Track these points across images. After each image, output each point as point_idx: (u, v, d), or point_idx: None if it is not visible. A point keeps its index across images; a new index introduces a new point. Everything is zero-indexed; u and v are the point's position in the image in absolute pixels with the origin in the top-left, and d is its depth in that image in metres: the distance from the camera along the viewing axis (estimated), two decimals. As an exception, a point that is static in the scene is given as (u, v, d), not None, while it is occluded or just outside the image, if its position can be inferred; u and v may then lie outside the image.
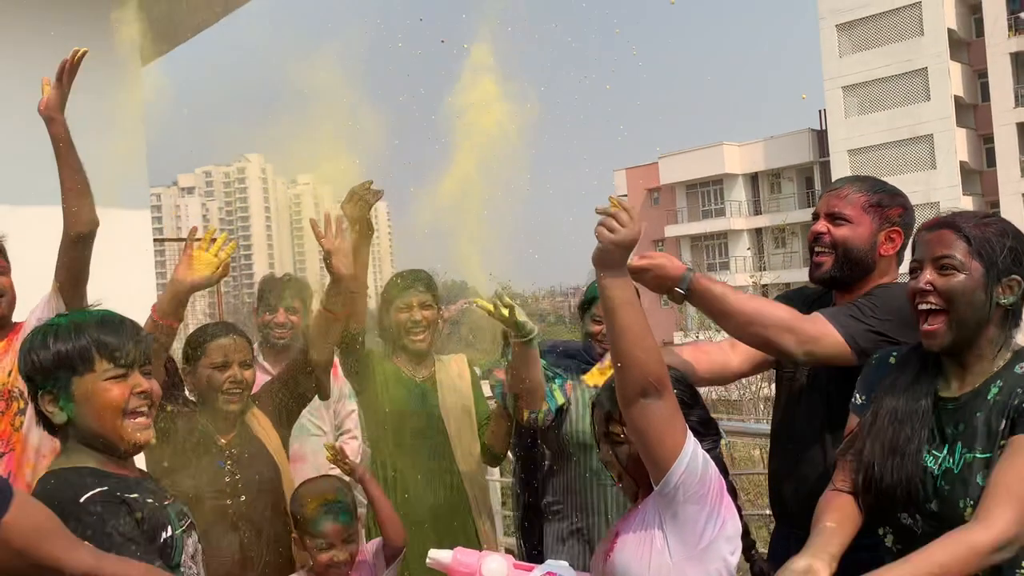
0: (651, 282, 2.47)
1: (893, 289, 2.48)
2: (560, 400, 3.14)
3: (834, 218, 2.55)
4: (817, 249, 2.58)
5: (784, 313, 2.43)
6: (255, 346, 3.96)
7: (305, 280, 4.17)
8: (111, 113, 4.08)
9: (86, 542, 1.61)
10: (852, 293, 2.56)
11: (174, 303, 2.71)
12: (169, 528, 1.97)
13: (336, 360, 3.48)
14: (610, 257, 1.99)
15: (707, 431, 2.15)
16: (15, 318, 2.91)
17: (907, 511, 2.04)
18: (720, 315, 2.44)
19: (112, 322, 1.97)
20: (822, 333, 2.39)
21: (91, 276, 2.83)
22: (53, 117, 2.73)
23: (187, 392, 3.05)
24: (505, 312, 2.84)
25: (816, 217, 2.61)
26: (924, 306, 2.06)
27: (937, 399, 2.08)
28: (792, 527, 2.57)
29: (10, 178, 2.89)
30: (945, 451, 2.03)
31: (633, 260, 2.33)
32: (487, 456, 3.51)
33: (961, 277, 2.02)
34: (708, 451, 2.05)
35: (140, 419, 1.95)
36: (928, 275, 2.05)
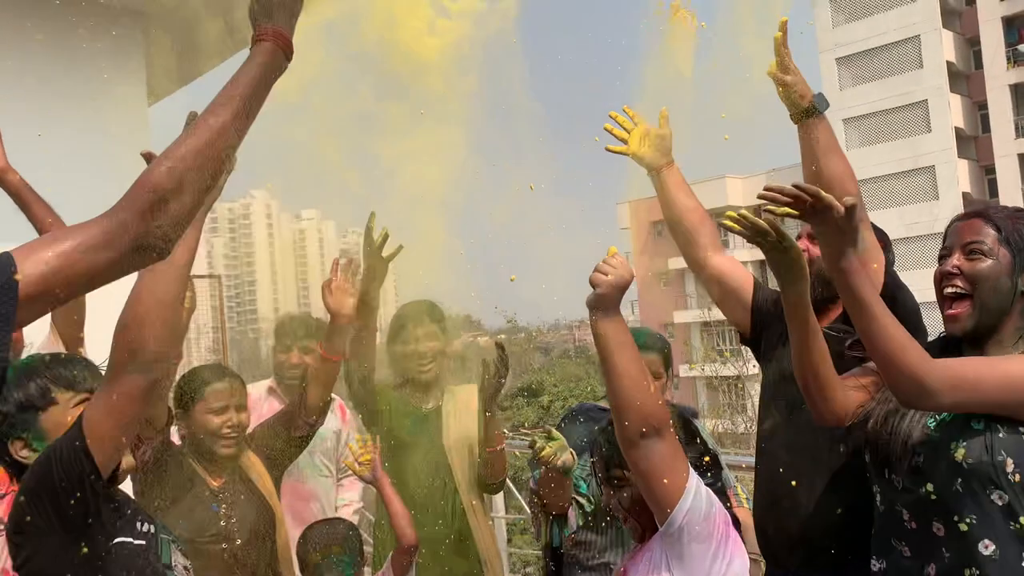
0: (791, 93, 2.44)
1: (910, 295, 2.51)
2: (588, 508, 3.12)
3: (813, 238, 2.58)
4: None
5: (855, 188, 2.38)
6: (272, 379, 3.97)
7: (322, 320, 4.18)
8: (118, 152, 4.12)
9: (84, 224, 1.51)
10: (824, 316, 2.57)
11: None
12: (152, 526, 1.97)
13: (341, 403, 3.47)
14: (607, 300, 2.00)
15: (707, 465, 2.14)
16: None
17: (892, 467, 2.05)
18: (832, 150, 2.40)
19: (58, 357, 2.02)
20: (873, 264, 2.37)
21: (95, 313, 2.84)
22: (6, 171, 2.76)
23: (176, 435, 3.01)
24: (548, 450, 2.78)
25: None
26: (950, 290, 2.08)
27: None
28: (778, 568, 2.56)
29: (12, 219, 2.91)
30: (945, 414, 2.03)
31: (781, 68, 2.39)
32: (483, 487, 3.49)
33: (989, 262, 2.04)
34: (710, 485, 2.04)
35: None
36: (956, 259, 2.08)
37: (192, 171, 1.44)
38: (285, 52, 1.56)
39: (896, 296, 2.41)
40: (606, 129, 2.84)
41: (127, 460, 1.95)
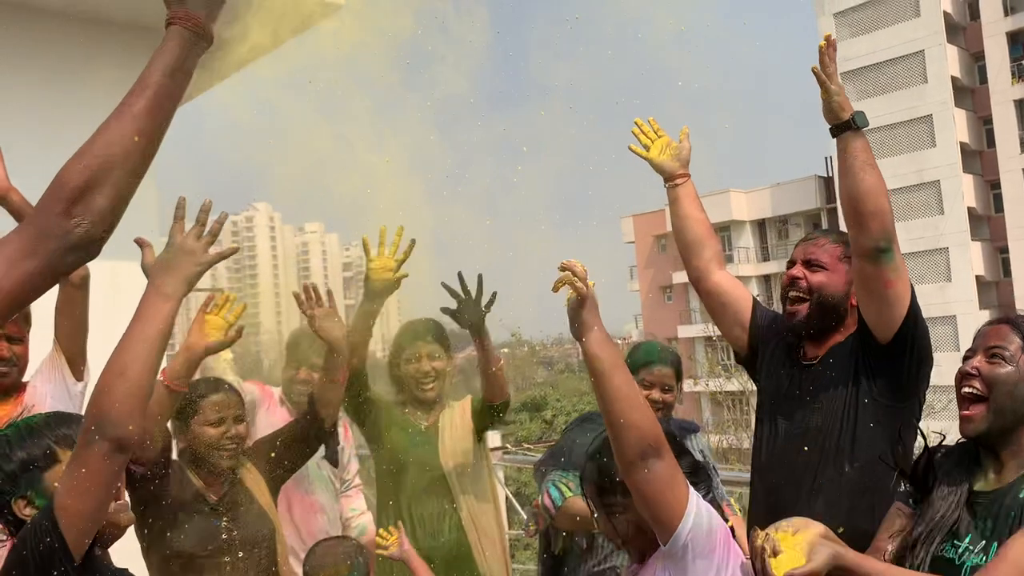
0: (831, 102, 2.44)
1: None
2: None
3: (810, 265, 2.60)
4: (792, 294, 2.61)
5: (886, 203, 2.38)
6: (280, 390, 3.98)
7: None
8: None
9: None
10: (823, 343, 2.58)
11: (187, 367, 2.66)
12: None
13: (345, 420, 3.47)
14: (590, 317, 2.00)
15: (698, 478, 2.13)
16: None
17: None
18: (868, 165, 2.38)
19: (58, 416, 2.01)
20: (902, 286, 2.38)
21: (101, 328, 2.84)
22: (10, 191, 2.77)
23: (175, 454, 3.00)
24: None
25: (792, 264, 2.65)
26: (967, 390, 2.09)
27: (972, 492, 2.09)
28: None
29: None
30: (967, 541, 2.02)
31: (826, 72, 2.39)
32: (489, 413, 3.48)
33: (1009, 368, 2.05)
34: (703, 497, 2.03)
35: (120, 501, 1.94)
36: (976, 361, 2.10)
37: (108, 164, 1.41)
38: (199, 34, 1.51)
39: (918, 319, 2.43)
40: (632, 133, 2.98)
41: (127, 516, 1.95)
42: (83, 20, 4.65)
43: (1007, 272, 36.86)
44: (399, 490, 3.39)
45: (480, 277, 3.36)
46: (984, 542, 2.01)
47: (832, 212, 40.10)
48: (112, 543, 1.98)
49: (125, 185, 1.43)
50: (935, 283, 35.81)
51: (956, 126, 36.95)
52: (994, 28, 36.75)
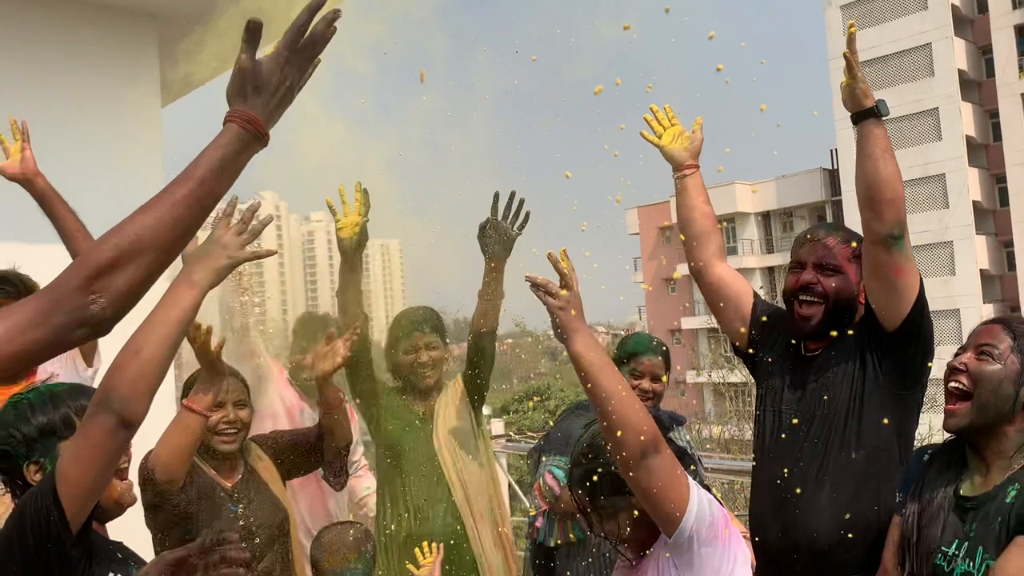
0: (856, 88, 2.43)
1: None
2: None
3: (823, 268, 2.57)
4: (804, 298, 2.58)
5: (902, 191, 2.45)
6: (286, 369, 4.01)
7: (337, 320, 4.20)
8: (132, 152, 4.16)
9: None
10: (828, 338, 2.58)
11: (214, 398, 2.70)
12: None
13: (349, 406, 3.51)
14: (573, 321, 2.01)
15: (683, 463, 2.14)
16: None
17: None
18: (887, 152, 2.43)
19: (79, 388, 2.02)
20: (912, 275, 2.41)
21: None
22: (37, 175, 2.76)
23: None
24: None
25: (802, 266, 2.61)
26: (953, 384, 2.13)
27: (958, 496, 2.11)
28: None
29: (25, 216, 2.93)
30: (954, 548, 2.06)
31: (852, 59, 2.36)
32: (478, 339, 3.50)
33: (996, 366, 2.09)
34: None
35: (126, 481, 1.96)
36: (965, 357, 2.14)
37: (138, 246, 1.41)
38: (255, 136, 1.50)
39: (924, 309, 2.45)
40: (645, 119, 2.96)
41: (130, 496, 1.97)
42: (88, 5, 4.66)
43: (1011, 266, 36.76)
44: (395, 476, 3.42)
45: (523, 200, 3.36)
46: (968, 544, 2.04)
47: (837, 204, 39.99)
48: (110, 519, 2.00)
49: (149, 270, 1.43)
50: (939, 277, 35.74)
51: (962, 119, 36.80)
52: (1002, 21, 36.55)
